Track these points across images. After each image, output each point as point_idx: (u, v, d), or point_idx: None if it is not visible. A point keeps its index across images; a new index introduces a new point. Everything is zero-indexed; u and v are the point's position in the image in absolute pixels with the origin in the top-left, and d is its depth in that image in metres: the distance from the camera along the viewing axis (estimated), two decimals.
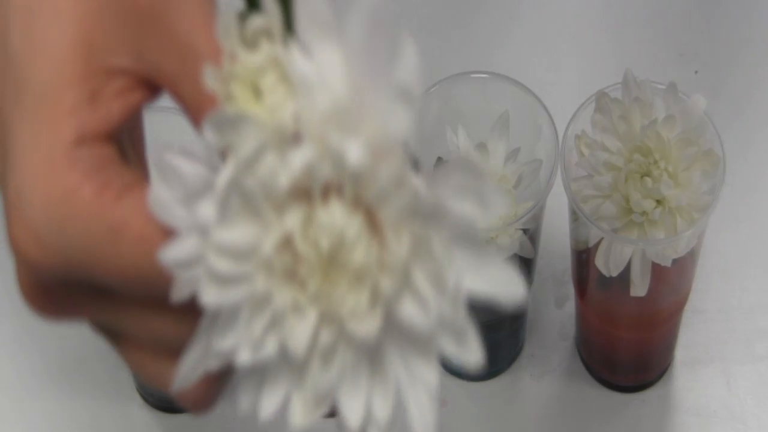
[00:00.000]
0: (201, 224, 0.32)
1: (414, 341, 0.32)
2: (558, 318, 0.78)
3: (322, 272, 0.31)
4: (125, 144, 0.37)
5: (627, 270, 0.64)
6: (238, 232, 0.32)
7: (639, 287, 0.65)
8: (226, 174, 0.31)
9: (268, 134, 0.31)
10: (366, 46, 0.31)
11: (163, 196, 0.33)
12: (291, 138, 0.31)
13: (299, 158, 0.31)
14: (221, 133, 0.31)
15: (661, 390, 0.77)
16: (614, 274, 0.64)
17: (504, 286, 0.31)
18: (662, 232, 0.62)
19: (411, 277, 0.31)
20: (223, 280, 0.32)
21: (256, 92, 0.32)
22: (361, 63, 0.31)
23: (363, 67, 0.31)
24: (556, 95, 0.73)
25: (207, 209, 0.32)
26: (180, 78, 0.35)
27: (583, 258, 0.68)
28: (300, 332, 0.31)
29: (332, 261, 0.31)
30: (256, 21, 0.32)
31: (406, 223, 0.31)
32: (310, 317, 0.31)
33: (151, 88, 0.36)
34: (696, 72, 0.84)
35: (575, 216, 0.65)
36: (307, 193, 0.31)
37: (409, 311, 0.31)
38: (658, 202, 0.62)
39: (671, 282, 0.68)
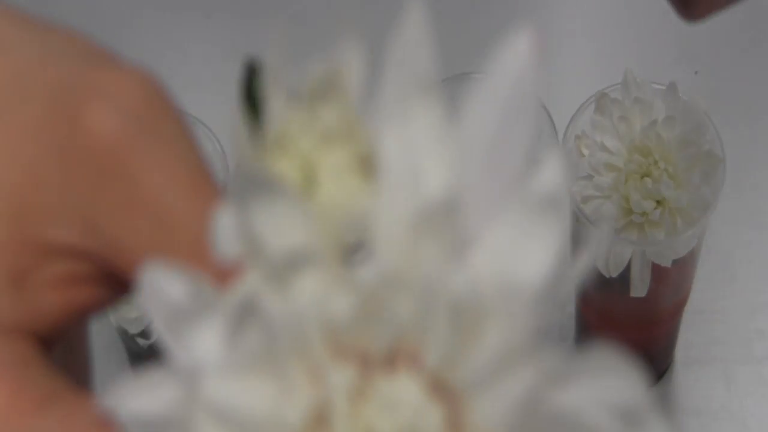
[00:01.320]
0: (192, 364, 0.22)
1: None
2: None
3: None
4: (62, 353, 0.28)
5: (627, 270, 0.64)
6: (249, 390, 0.22)
7: (639, 288, 0.65)
8: (239, 291, 0.22)
9: (315, 236, 0.22)
10: (495, 136, 0.22)
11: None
12: (354, 252, 0.22)
13: (368, 276, 0.21)
14: (243, 210, 0.21)
15: (661, 390, 0.77)
16: (614, 274, 0.64)
17: None
18: (662, 232, 0.62)
19: None
20: None
21: (310, 178, 0.23)
22: (480, 159, 0.22)
23: (483, 160, 0.22)
24: (556, 95, 0.73)
25: (205, 339, 0.22)
26: (149, 255, 0.25)
27: None
28: None
29: None
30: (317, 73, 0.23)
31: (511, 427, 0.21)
32: None
33: (109, 286, 0.27)
34: (696, 72, 0.84)
35: (575, 217, 0.65)
36: (360, 354, 0.22)
37: None
38: (658, 202, 0.62)
39: (671, 282, 0.68)
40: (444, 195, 0.21)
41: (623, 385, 0.22)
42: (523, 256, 0.21)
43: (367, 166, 0.23)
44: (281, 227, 0.22)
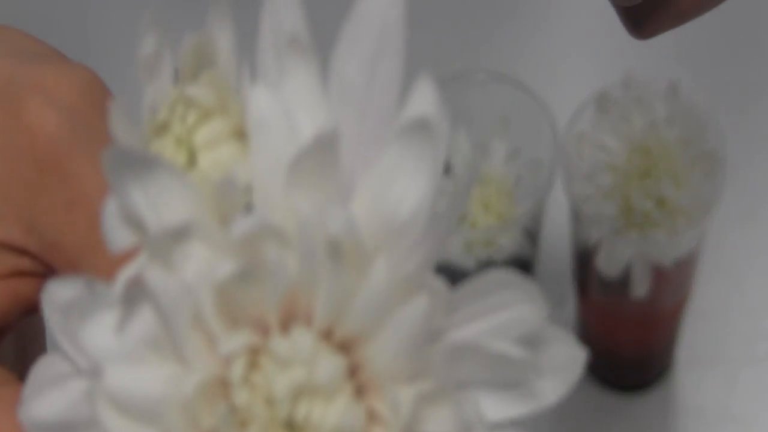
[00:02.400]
0: (90, 360, 0.22)
1: None
2: (558, 318, 0.78)
3: None
4: (15, 348, 0.28)
5: (627, 270, 0.64)
6: (147, 373, 0.21)
7: (639, 288, 0.65)
8: (130, 268, 0.21)
9: (196, 201, 0.21)
10: (365, 79, 0.22)
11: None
12: (235, 210, 0.22)
13: (241, 228, 0.20)
14: (124, 193, 0.21)
15: (661, 390, 0.76)
16: (614, 274, 0.64)
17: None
18: (663, 232, 0.62)
19: None
20: None
21: (191, 155, 0.23)
22: (352, 99, 0.22)
23: (355, 106, 0.22)
24: (556, 95, 0.73)
25: (97, 333, 0.22)
26: (87, 253, 0.25)
27: (583, 258, 0.68)
28: None
29: (292, 421, 0.21)
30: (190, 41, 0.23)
31: (409, 368, 0.21)
32: None
33: (49, 279, 0.26)
34: (696, 72, 0.84)
35: (576, 216, 0.65)
36: (256, 319, 0.22)
37: None
38: (659, 202, 0.62)
39: (672, 282, 0.68)
40: (316, 136, 0.21)
41: (522, 309, 0.21)
42: (397, 188, 0.21)
43: (244, 134, 0.23)
44: (163, 202, 0.21)
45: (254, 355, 0.21)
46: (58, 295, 0.22)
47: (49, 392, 0.22)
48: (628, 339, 0.74)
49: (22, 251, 0.26)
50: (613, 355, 0.76)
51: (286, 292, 0.21)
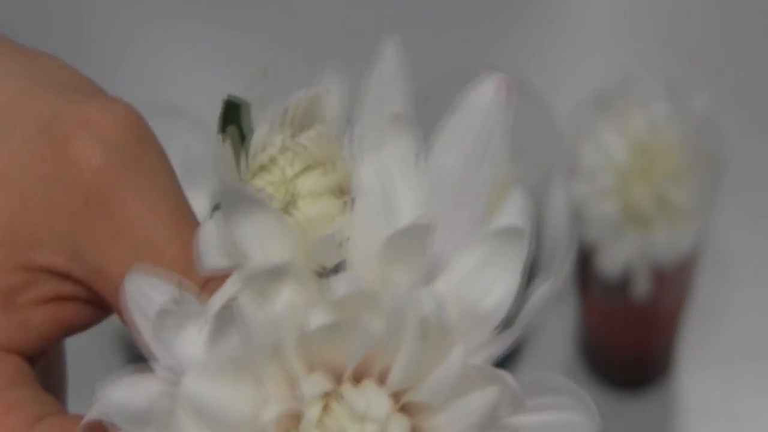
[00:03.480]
0: (175, 364, 0.24)
1: None
2: (558, 318, 0.78)
3: None
4: (39, 368, 0.29)
5: (627, 270, 0.64)
6: (226, 390, 0.23)
7: (639, 287, 0.65)
8: (221, 297, 0.23)
9: (294, 247, 0.23)
10: (462, 173, 0.24)
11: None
12: (329, 273, 0.23)
13: (342, 290, 0.22)
14: (228, 224, 0.23)
15: (661, 390, 0.77)
16: (614, 274, 0.64)
17: None
18: (663, 232, 0.62)
19: None
20: None
21: (291, 201, 0.25)
22: (447, 189, 0.24)
23: (449, 195, 0.24)
24: (556, 95, 0.73)
25: (188, 342, 0.24)
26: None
27: (583, 258, 0.68)
28: None
29: None
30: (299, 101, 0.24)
31: None
32: None
33: (94, 305, 0.28)
34: (696, 72, 0.84)
35: (576, 216, 0.65)
36: (330, 365, 0.23)
37: None
38: (659, 202, 0.62)
39: (672, 282, 0.68)
40: (415, 220, 0.23)
41: (576, 417, 0.23)
42: (485, 284, 0.23)
43: (344, 191, 0.24)
44: (263, 240, 0.23)
45: (326, 399, 0.23)
46: (146, 291, 0.24)
47: (131, 381, 0.23)
48: (628, 339, 0.74)
49: (65, 276, 0.27)
50: (614, 355, 0.76)
51: (366, 353, 0.23)
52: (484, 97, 0.24)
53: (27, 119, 0.27)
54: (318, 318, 0.22)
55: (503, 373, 0.23)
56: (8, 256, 0.27)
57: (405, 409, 0.23)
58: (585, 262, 0.68)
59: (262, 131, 0.25)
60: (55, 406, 0.27)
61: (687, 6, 0.86)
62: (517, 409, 0.23)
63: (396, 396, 0.23)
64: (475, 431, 0.22)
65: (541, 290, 0.23)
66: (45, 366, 0.29)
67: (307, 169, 0.25)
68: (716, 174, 0.62)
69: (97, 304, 0.28)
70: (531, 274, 0.69)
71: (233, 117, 0.25)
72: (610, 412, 0.76)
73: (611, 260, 0.64)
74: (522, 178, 0.67)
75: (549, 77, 0.84)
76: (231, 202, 0.23)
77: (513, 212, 0.24)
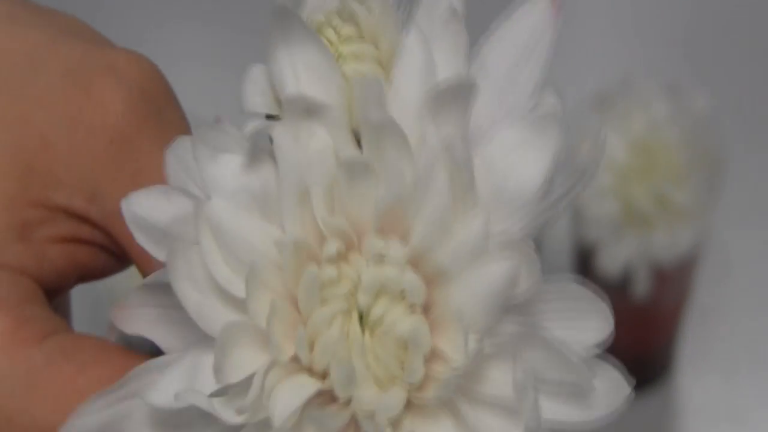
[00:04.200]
0: (206, 187, 0.24)
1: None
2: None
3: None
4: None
5: (627, 270, 0.64)
6: (249, 220, 0.24)
7: (639, 287, 0.65)
8: (256, 121, 0.24)
9: (338, 88, 0.23)
10: (508, 73, 0.24)
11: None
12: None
13: (376, 116, 0.22)
14: (275, 57, 0.23)
15: (661, 390, 0.76)
16: (614, 274, 0.64)
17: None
18: (663, 232, 0.62)
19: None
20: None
21: (337, 59, 0.25)
22: (489, 85, 0.24)
23: (491, 91, 0.24)
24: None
25: (221, 168, 0.24)
26: None
27: (583, 258, 0.68)
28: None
29: (366, 315, 0.23)
30: None
31: (480, 321, 0.23)
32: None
33: (108, 254, 0.29)
34: (696, 72, 0.84)
35: (576, 216, 0.65)
36: (355, 220, 0.24)
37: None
38: (659, 202, 0.62)
39: (672, 282, 0.68)
40: (458, 76, 0.23)
41: (593, 321, 0.23)
42: (521, 162, 0.23)
43: (388, 67, 0.24)
44: (310, 76, 0.23)
45: (346, 252, 0.23)
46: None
47: (156, 198, 0.24)
48: (628, 339, 0.74)
49: (83, 219, 0.28)
50: (613, 354, 0.76)
51: (393, 203, 0.23)
52: (536, 7, 0.25)
53: (52, 65, 0.28)
54: (350, 151, 0.22)
55: (524, 243, 0.22)
56: (25, 191, 0.27)
57: (424, 280, 0.23)
58: (585, 262, 0.68)
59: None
60: (64, 325, 0.27)
61: (687, 6, 0.86)
62: (535, 290, 0.23)
63: (414, 263, 0.23)
64: (491, 304, 0.22)
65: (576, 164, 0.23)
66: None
67: (354, 39, 0.25)
68: (716, 174, 0.62)
69: (113, 253, 0.28)
70: None
71: None
72: None
73: (611, 260, 0.64)
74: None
75: (549, 77, 0.84)
76: (284, 26, 0.22)
77: (548, 105, 0.24)
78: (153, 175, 0.27)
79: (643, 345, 0.75)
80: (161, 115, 0.28)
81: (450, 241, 0.23)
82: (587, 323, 0.24)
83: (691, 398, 0.76)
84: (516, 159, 0.23)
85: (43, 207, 0.27)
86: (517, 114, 0.24)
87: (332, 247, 0.23)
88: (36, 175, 0.27)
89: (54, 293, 0.28)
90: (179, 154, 0.24)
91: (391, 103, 0.23)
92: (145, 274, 0.27)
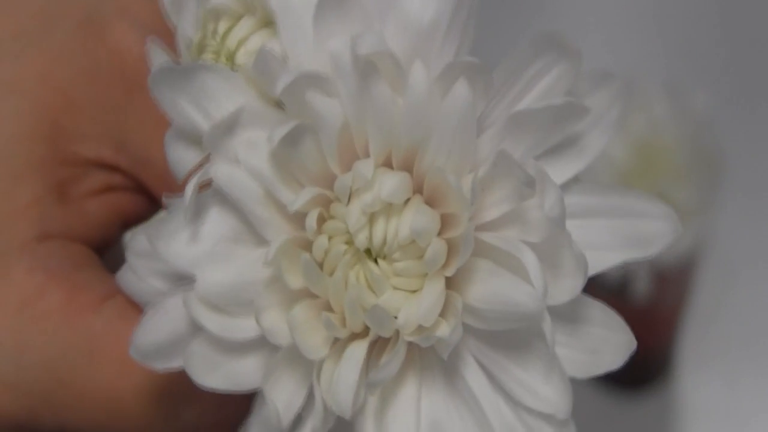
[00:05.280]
0: (175, 269, 0.23)
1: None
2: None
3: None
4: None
5: (627, 270, 0.64)
6: (232, 263, 0.23)
7: (639, 288, 0.65)
8: (192, 181, 0.23)
9: (242, 91, 0.23)
10: None
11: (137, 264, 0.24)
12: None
13: (282, 82, 0.22)
14: (176, 108, 0.22)
15: (661, 390, 0.76)
16: (614, 274, 0.64)
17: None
18: None
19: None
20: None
21: (230, 59, 0.24)
22: None
23: None
24: None
25: (178, 246, 0.23)
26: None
27: None
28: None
29: (374, 247, 0.23)
30: None
31: (467, 161, 0.23)
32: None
33: (144, 195, 0.28)
34: (696, 72, 0.84)
35: None
36: (321, 174, 0.23)
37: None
38: None
39: (672, 282, 0.68)
40: None
41: (559, 69, 0.23)
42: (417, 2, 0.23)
43: (272, 23, 0.24)
44: (212, 104, 0.22)
45: (327, 209, 0.23)
46: (140, 241, 0.23)
47: (150, 320, 0.23)
48: None
49: (113, 168, 0.28)
50: None
51: (340, 136, 0.22)
52: None
53: (65, 17, 0.27)
54: (278, 130, 0.22)
55: (465, 59, 0.22)
56: (55, 151, 0.27)
57: (404, 168, 0.23)
58: None
59: (182, 24, 0.24)
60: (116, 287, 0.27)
61: (687, 6, 0.86)
62: (495, 98, 0.23)
63: (387, 163, 0.23)
64: (465, 138, 0.22)
65: None
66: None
67: (234, 25, 0.24)
68: (716, 174, 0.62)
69: (149, 194, 0.28)
70: None
71: None
72: (610, 412, 0.76)
73: None
74: None
75: None
76: (161, 84, 0.22)
77: None
78: None
79: (643, 346, 0.74)
80: None
81: (402, 115, 0.22)
82: (558, 70, 0.24)
83: (691, 398, 0.76)
84: (416, 3, 0.23)
85: (74, 163, 0.27)
86: None
87: (311, 220, 0.22)
88: (62, 132, 0.27)
89: (103, 247, 0.28)
90: (139, 249, 0.24)
91: (286, 47, 0.23)
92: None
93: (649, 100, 0.62)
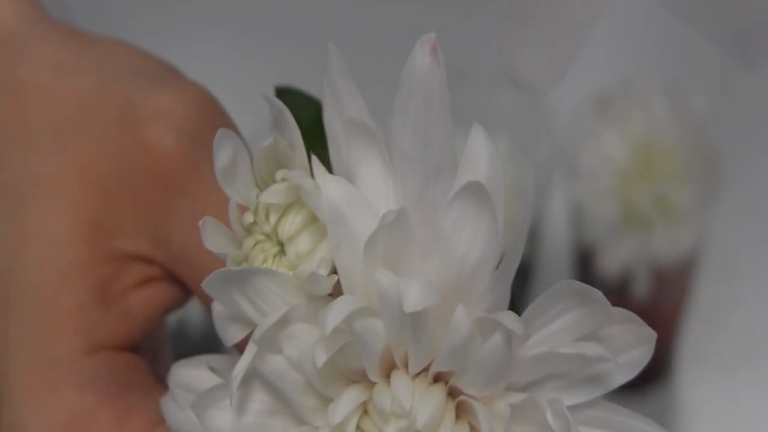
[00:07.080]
0: None
1: None
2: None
3: None
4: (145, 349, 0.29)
5: (627, 270, 0.64)
6: None
7: (639, 288, 0.65)
8: (243, 360, 0.24)
9: (292, 292, 0.24)
10: (420, 144, 0.24)
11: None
12: (325, 295, 0.24)
13: (330, 321, 0.22)
14: (228, 301, 0.24)
15: (661, 390, 0.76)
16: (614, 274, 0.64)
17: None
18: (663, 233, 0.62)
19: None
20: None
21: (280, 244, 0.25)
22: (413, 166, 0.24)
23: (417, 172, 0.24)
24: (556, 95, 0.73)
25: (219, 415, 0.24)
26: (212, 267, 0.25)
27: (583, 258, 0.68)
28: None
29: None
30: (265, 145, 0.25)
31: (497, 387, 0.24)
32: None
33: (177, 282, 0.29)
34: (696, 72, 0.84)
35: (576, 216, 0.65)
36: (361, 372, 0.24)
37: None
38: (659, 202, 0.62)
39: (672, 283, 0.68)
40: (383, 217, 0.23)
41: (579, 313, 0.24)
42: (465, 240, 0.23)
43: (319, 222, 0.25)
44: (262, 301, 0.24)
45: (365, 404, 0.24)
46: (183, 374, 0.25)
47: None
48: None
49: (151, 261, 0.28)
50: None
51: (382, 352, 0.23)
52: (415, 64, 0.24)
53: (104, 113, 0.28)
54: (319, 356, 0.23)
55: (502, 317, 0.23)
56: (96, 250, 0.27)
57: (439, 378, 0.24)
58: (585, 263, 0.68)
59: (234, 193, 0.25)
60: (153, 387, 0.27)
61: (688, 5, 0.86)
62: (526, 340, 0.24)
63: (425, 371, 0.24)
64: (498, 376, 0.23)
65: (519, 217, 0.23)
66: (154, 348, 0.30)
67: (285, 214, 0.25)
68: (716, 174, 0.62)
69: (184, 284, 0.29)
70: (528, 272, 0.69)
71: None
72: None
73: (611, 261, 0.64)
74: (522, 179, 0.67)
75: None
76: (217, 285, 0.23)
77: (475, 163, 0.24)
78: (212, 215, 0.27)
79: None
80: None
81: (442, 350, 0.23)
82: (579, 313, 0.25)
83: (691, 398, 0.76)
84: (461, 239, 0.23)
85: (113, 259, 0.28)
86: (444, 191, 0.24)
87: (350, 427, 0.24)
88: (102, 229, 0.27)
89: (148, 335, 0.29)
90: (180, 381, 0.25)
91: (337, 262, 0.24)
92: None
93: (649, 101, 0.62)
